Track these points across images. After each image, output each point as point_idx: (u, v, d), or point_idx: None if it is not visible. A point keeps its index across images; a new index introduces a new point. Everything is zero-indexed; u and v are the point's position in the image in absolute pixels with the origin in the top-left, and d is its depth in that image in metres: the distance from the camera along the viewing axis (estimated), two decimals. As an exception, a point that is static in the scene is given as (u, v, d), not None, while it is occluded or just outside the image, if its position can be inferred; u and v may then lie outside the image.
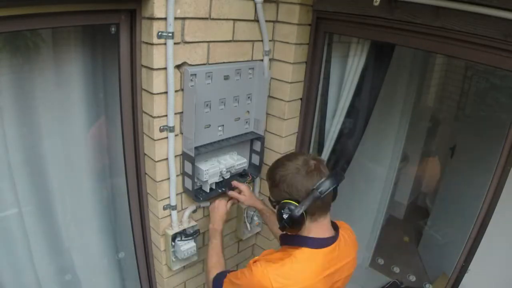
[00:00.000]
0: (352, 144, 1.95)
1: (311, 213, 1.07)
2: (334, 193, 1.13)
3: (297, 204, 1.04)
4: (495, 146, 1.35)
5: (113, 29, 1.29)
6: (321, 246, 1.09)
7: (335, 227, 1.17)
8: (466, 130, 2.85)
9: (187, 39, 1.33)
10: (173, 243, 1.57)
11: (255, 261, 1.09)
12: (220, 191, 1.61)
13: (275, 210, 1.13)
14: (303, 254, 1.08)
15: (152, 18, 1.22)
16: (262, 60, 1.63)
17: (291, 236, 1.13)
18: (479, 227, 1.35)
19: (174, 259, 1.60)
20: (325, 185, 1.03)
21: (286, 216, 1.05)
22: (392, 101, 2.45)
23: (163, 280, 1.70)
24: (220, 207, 1.45)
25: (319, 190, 1.02)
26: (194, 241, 1.60)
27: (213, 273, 1.26)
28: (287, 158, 1.13)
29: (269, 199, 1.19)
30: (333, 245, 1.11)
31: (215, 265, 1.31)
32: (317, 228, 1.10)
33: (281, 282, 1.02)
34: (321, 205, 1.07)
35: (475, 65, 2.64)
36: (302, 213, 1.03)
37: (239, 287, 1.10)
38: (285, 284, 1.02)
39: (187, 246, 1.57)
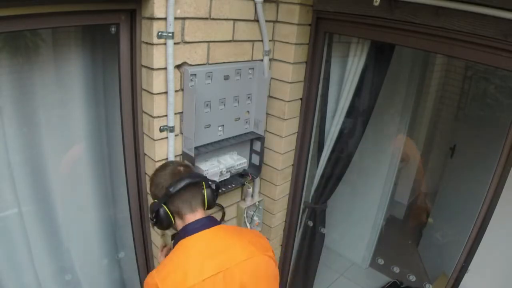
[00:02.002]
0: (352, 144, 1.95)
1: (176, 212, 1.16)
2: (207, 200, 1.21)
3: (156, 201, 1.17)
4: (495, 146, 1.35)
5: (113, 29, 1.29)
6: (191, 232, 1.12)
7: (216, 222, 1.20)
8: (466, 130, 2.85)
9: (187, 39, 1.33)
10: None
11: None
12: (220, 191, 1.61)
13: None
14: (179, 247, 1.11)
15: (152, 18, 1.22)
16: (262, 60, 1.63)
17: (174, 241, 1.18)
18: (479, 227, 1.35)
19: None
20: (176, 184, 1.13)
21: (149, 211, 1.18)
22: (392, 101, 2.45)
23: (163, 280, 1.70)
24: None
25: (171, 188, 1.12)
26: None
27: None
28: (160, 166, 1.26)
29: None
30: (209, 229, 1.13)
31: None
32: (185, 222, 1.17)
33: (163, 275, 1.03)
34: (183, 205, 1.15)
35: (475, 65, 2.64)
36: (164, 209, 1.15)
37: None
38: (167, 272, 1.04)
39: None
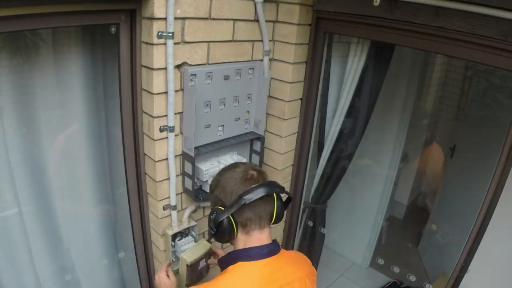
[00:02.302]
0: (352, 144, 1.95)
1: (243, 224, 1.03)
2: (276, 213, 1.07)
3: (223, 209, 1.02)
4: (495, 146, 1.35)
5: (113, 29, 1.29)
6: (256, 257, 1.02)
7: (276, 245, 1.09)
8: (466, 130, 2.86)
9: (187, 39, 1.33)
10: (173, 243, 1.57)
11: None
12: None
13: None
14: (238, 268, 1.00)
15: (152, 18, 1.22)
16: (262, 60, 1.63)
17: (226, 256, 1.08)
18: (479, 227, 1.35)
19: (174, 259, 1.60)
20: (253, 193, 0.99)
21: (212, 221, 1.03)
22: (392, 101, 2.45)
23: (163, 280, 1.70)
24: (163, 280, 1.32)
25: (245, 197, 0.99)
26: (195, 241, 1.60)
27: None
28: (228, 166, 1.12)
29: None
30: (273, 257, 1.03)
31: None
32: (249, 241, 1.04)
33: None
34: (253, 217, 1.02)
35: (475, 65, 2.64)
36: (229, 220, 1.01)
37: None
38: None
39: (188, 246, 1.57)
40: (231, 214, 1.01)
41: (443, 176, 2.93)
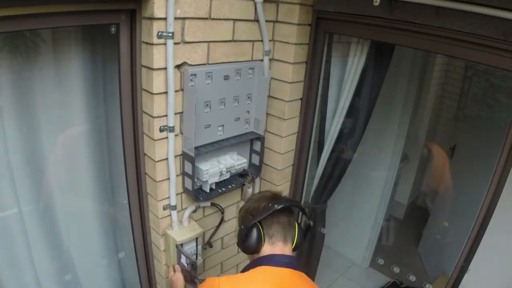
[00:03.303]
0: (352, 144, 1.95)
1: (269, 235, 1.11)
2: (297, 238, 1.16)
3: (251, 217, 1.13)
4: (495, 146, 1.35)
5: (113, 29, 1.29)
6: (277, 264, 1.07)
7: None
8: (466, 130, 2.85)
9: (187, 39, 1.33)
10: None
11: None
12: (220, 191, 1.61)
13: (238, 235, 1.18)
14: (258, 271, 1.07)
15: (152, 18, 1.22)
16: (262, 60, 1.63)
17: (249, 264, 1.14)
18: (479, 227, 1.35)
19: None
20: (280, 201, 1.10)
21: (244, 229, 1.11)
22: (392, 101, 2.45)
23: (163, 280, 1.70)
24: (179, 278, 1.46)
25: (272, 203, 1.09)
26: (196, 243, 1.60)
27: None
28: (258, 193, 1.27)
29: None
30: (293, 270, 1.08)
31: None
32: (274, 250, 1.11)
33: (231, 283, 1.01)
34: (280, 230, 1.11)
35: (475, 65, 2.64)
36: (259, 228, 1.10)
37: None
38: (236, 284, 1.01)
39: (188, 247, 1.58)
40: (260, 224, 1.10)
41: (443, 177, 2.93)
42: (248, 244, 1.12)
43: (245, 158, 1.67)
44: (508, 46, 1.11)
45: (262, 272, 1.06)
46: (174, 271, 1.51)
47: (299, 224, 1.19)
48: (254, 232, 1.10)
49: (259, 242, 1.11)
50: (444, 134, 3.11)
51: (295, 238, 1.16)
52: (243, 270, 1.14)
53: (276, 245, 1.11)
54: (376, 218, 2.73)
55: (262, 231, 1.11)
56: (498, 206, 1.30)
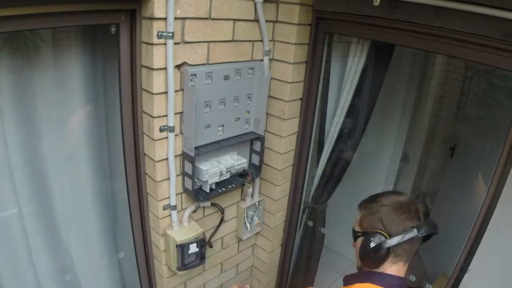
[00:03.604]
0: (352, 144, 1.95)
1: (396, 254, 1.00)
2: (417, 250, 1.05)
3: (388, 236, 0.98)
4: (495, 146, 1.35)
5: (113, 29, 1.29)
6: (387, 285, 0.99)
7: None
8: (466, 130, 2.85)
9: (187, 39, 1.33)
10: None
11: None
12: (220, 191, 1.61)
13: (359, 241, 1.06)
14: (365, 287, 0.99)
15: (152, 18, 1.22)
16: (262, 60, 1.63)
17: (357, 274, 1.08)
18: (479, 227, 1.35)
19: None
20: (424, 228, 0.98)
21: (374, 245, 0.99)
22: (392, 101, 2.45)
23: (163, 280, 1.70)
24: None
25: (417, 229, 0.97)
26: (197, 246, 1.60)
27: None
28: (391, 192, 1.10)
29: (353, 230, 1.11)
30: None
31: None
32: (392, 269, 1.02)
33: None
34: (408, 249, 1.00)
35: (475, 65, 2.64)
36: (389, 248, 0.98)
37: None
38: None
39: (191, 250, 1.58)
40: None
41: (443, 177, 2.93)
42: (370, 262, 1.02)
43: (245, 158, 1.67)
44: (508, 46, 1.10)
45: None
46: None
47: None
48: (384, 251, 0.98)
49: (382, 261, 1.00)
50: (444, 134, 3.11)
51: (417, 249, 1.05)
52: (350, 278, 1.06)
53: (397, 265, 1.02)
54: (376, 218, 2.73)
55: (391, 249, 0.99)
56: (498, 206, 1.30)
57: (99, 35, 1.38)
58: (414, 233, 0.97)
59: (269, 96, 1.72)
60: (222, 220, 1.80)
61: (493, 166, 1.28)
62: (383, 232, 0.99)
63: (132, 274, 1.77)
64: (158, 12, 1.21)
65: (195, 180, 1.51)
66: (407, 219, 0.99)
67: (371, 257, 1.00)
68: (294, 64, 1.62)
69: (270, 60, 1.66)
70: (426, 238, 1.03)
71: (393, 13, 1.31)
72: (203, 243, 1.62)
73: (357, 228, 1.08)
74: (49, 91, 1.36)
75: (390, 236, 0.98)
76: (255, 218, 1.91)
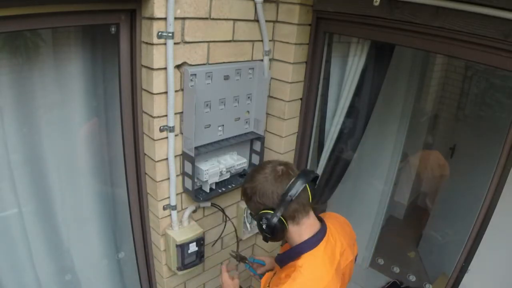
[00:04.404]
0: (352, 144, 1.95)
1: (291, 218, 1.07)
2: (311, 192, 1.09)
3: (272, 212, 1.05)
4: (495, 146, 1.35)
5: (113, 29, 1.29)
6: (315, 244, 1.08)
7: (320, 219, 1.16)
8: (466, 130, 2.85)
9: (187, 39, 1.33)
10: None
11: None
12: (220, 191, 1.61)
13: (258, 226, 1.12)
14: (305, 259, 1.07)
15: (152, 18, 1.22)
16: (262, 60, 1.63)
17: (285, 253, 1.14)
18: (479, 227, 1.35)
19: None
20: (295, 187, 1.03)
21: (265, 226, 1.06)
22: (392, 101, 2.45)
23: (163, 280, 1.70)
24: (226, 281, 1.36)
25: (289, 194, 1.02)
26: (196, 245, 1.60)
27: None
28: (255, 169, 1.14)
29: (250, 214, 1.20)
30: (325, 237, 1.10)
31: None
32: (302, 230, 1.09)
33: None
34: (299, 207, 1.06)
35: (475, 65, 2.64)
36: (280, 220, 1.04)
37: None
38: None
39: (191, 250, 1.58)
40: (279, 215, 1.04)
41: (443, 177, 2.93)
42: (275, 237, 1.09)
43: (245, 158, 1.67)
44: (508, 46, 1.11)
45: (310, 261, 1.06)
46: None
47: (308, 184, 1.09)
48: (279, 225, 1.04)
49: (284, 230, 1.07)
50: (444, 134, 3.11)
51: (310, 195, 1.08)
52: (283, 258, 1.14)
53: (302, 223, 1.08)
54: (376, 218, 2.73)
55: (284, 218, 1.05)
56: (498, 206, 1.30)
57: (99, 35, 1.38)
58: (287, 198, 1.02)
59: (269, 96, 1.72)
60: (226, 220, 1.81)
61: (493, 166, 1.28)
62: (265, 211, 1.06)
63: (132, 274, 1.77)
64: (158, 12, 1.21)
65: (195, 180, 1.51)
66: (278, 187, 1.05)
67: (270, 234, 1.07)
68: (294, 64, 1.62)
69: (270, 60, 1.66)
70: (312, 182, 1.10)
71: (393, 13, 1.31)
72: (202, 241, 1.62)
73: (252, 212, 1.15)
74: (49, 91, 1.36)
75: (273, 210, 1.04)
76: (255, 218, 1.91)
